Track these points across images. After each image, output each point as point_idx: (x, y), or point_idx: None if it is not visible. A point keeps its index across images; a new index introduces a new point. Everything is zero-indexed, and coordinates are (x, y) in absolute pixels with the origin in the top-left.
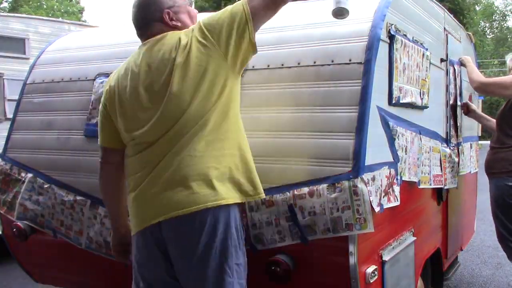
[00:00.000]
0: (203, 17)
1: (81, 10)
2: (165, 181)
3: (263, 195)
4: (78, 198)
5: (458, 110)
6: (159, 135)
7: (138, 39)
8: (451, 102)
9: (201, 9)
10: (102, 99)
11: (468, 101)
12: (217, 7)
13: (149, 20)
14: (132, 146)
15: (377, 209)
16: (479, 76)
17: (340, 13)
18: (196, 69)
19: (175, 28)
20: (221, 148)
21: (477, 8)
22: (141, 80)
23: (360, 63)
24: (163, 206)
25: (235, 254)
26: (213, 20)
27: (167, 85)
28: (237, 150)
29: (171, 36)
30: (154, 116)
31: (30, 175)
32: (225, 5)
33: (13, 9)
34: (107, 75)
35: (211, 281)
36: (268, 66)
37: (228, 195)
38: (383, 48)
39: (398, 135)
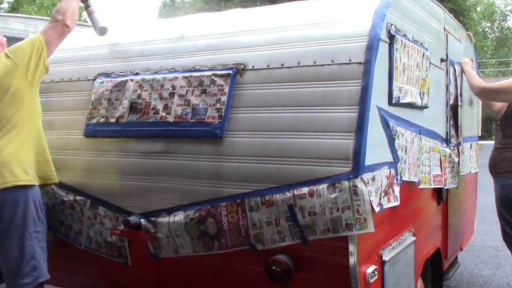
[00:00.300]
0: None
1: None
2: None
3: (55, 180)
4: (78, 198)
5: (458, 110)
6: None
7: (138, 39)
8: (451, 102)
9: (200, 11)
10: None
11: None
12: (216, 9)
13: None
14: None
15: (377, 209)
16: (479, 81)
17: (102, 32)
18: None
19: None
20: (18, 142)
21: (478, 9)
22: None
23: (360, 63)
24: None
25: (33, 224)
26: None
27: None
28: (32, 145)
29: None
30: None
31: None
32: (225, 7)
33: (14, 9)
34: (107, 75)
35: (16, 243)
36: (268, 66)
37: (24, 178)
38: (383, 48)
39: (398, 135)
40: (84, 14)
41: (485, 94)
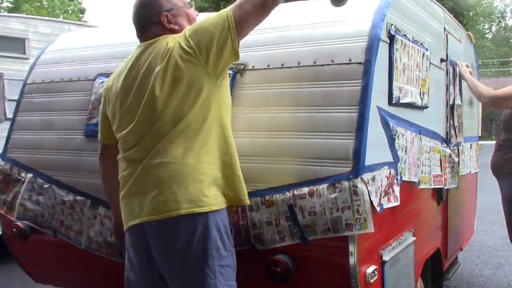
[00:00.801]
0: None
1: (82, 11)
2: (145, 184)
3: (246, 202)
4: (78, 198)
5: (459, 110)
6: (138, 137)
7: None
8: (451, 102)
9: (201, 10)
10: (102, 97)
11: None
12: (216, 7)
13: (147, 22)
14: (120, 146)
15: (377, 209)
16: (487, 90)
17: (339, 0)
18: (173, 74)
19: (172, 31)
20: (199, 155)
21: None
22: (130, 82)
23: (360, 63)
24: (142, 209)
25: (217, 256)
26: (197, 27)
27: (150, 89)
28: (218, 158)
29: (162, 41)
30: (134, 118)
31: (30, 175)
32: (225, 6)
33: (14, 9)
34: (107, 75)
35: (191, 283)
36: (268, 66)
37: (204, 203)
38: (383, 48)
39: (398, 135)
40: (83, 15)
41: (494, 102)
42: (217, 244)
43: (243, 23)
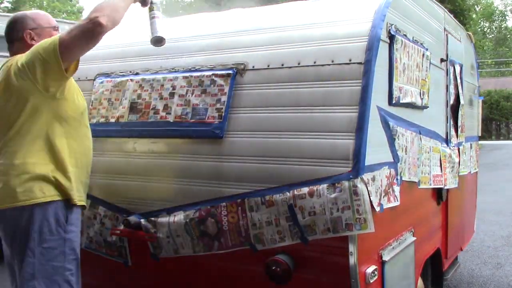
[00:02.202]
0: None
1: (81, 10)
2: None
3: (76, 202)
4: None
5: (462, 109)
6: None
7: (138, 39)
8: (451, 102)
9: (200, 10)
10: None
11: None
12: (216, 7)
13: (13, 38)
14: None
15: (377, 209)
16: None
17: (158, 42)
18: (8, 86)
19: None
20: (25, 157)
21: (477, 9)
22: None
23: (360, 63)
24: None
25: (39, 239)
26: (33, 49)
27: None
28: (46, 160)
29: (16, 57)
30: None
31: None
32: (225, 6)
33: (14, 9)
34: (107, 75)
35: (19, 262)
36: (268, 66)
37: (27, 197)
38: (383, 48)
39: (398, 135)
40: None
41: None
42: (41, 229)
43: (70, 46)
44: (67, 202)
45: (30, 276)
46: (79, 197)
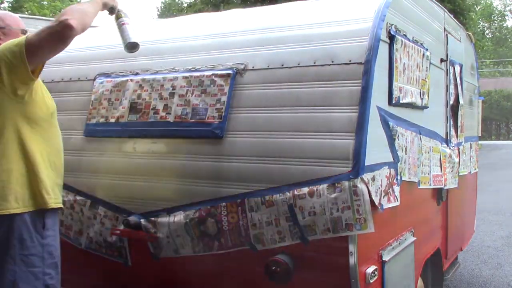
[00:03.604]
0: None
1: None
2: None
3: (51, 205)
4: (78, 198)
5: (462, 109)
6: None
7: (138, 39)
8: (451, 102)
9: (200, 11)
10: None
11: None
12: (215, 9)
13: None
14: None
15: (377, 209)
16: None
17: (132, 48)
18: None
19: None
20: (1, 162)
21: (477, 9)
22: None
23: (360, 63)
24: None
25: (20, 246)
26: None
27: None
28: (20, 166)
29: None
30: None
31: None
32: (224, 8)
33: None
34: (107, 75)
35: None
36: (268, 66)
37: (4, 207)
38: (383, 48)
39: (398, 135)
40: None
41: None
42: (21, 237)
43: (38, 48)
44: (43, 208)
45: (11, 284)
46: (55, 200)
